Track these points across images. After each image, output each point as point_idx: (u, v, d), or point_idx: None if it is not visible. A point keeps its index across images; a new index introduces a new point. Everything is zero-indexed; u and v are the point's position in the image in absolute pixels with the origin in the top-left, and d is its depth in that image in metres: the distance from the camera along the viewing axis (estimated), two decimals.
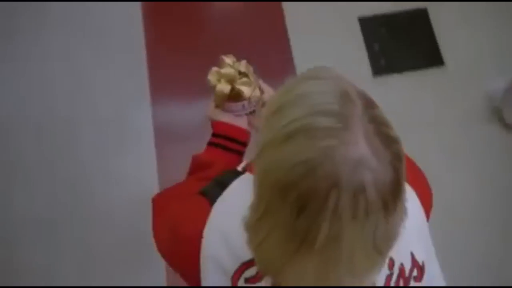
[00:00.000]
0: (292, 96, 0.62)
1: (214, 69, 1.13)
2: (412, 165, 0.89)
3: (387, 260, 0.70)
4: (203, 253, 0.77)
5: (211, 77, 1.12)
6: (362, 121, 0.58)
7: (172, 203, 0.94)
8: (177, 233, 0.84)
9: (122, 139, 2.32)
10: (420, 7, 2.67)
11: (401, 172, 0.59)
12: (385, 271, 0.74)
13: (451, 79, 2.56)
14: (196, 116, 2.31)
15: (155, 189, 2.16)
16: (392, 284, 0.74)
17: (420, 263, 0.80)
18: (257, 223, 0.64)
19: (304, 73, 0.66)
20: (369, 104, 0.61)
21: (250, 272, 0.73)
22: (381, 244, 0.61)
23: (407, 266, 0.78)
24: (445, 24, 2.66)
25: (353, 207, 0.56)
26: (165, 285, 2.07)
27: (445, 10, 2.68)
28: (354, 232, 0.57)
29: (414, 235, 0.80)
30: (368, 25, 2.62)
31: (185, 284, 0.85)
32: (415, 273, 0.78)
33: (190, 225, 0.81)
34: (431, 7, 2.68)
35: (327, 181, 0.55)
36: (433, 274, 0.82)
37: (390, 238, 0.62)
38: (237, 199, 0.74)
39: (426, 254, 0.81)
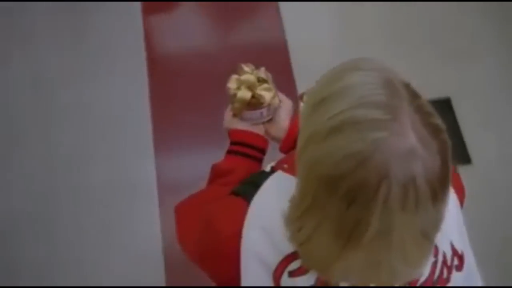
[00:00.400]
0: (336, 88, 0.61)
1: (234, 76, 1.14)
2: None
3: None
4: (244, 249, 0.76)
5: (231, 85, 1.13)
6: (409, 112, 0.58)
7: (201, 206, 0.93)
8: (213, 233, 0.83)
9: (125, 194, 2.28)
10: (442, 96, 2.45)
11: (448, 160, 0.60)
12: (430, 258, 0.73)
13: (479, 178, 2.27)
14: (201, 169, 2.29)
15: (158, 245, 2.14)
16: (437, 272, 0.75)
17: (460, 252, 0.80)
18: (301, 217, 0.64)
19: (346, 64, 0.66)
20: (414, 95, 0.61)
21: (294, 265, 0.72)
22: (430, 230, 0.62)
23: (449, 254, 0.78)
24: (471, 117, 2.42)
25: (403, 198, 0.56)
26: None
27: (470, 103, 2.46)
28: (404, 223, 0.58)
29: (452, 225, 0.80)
30: None
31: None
32: (456, 262, 0.78)
33: (228, 223, 0.80)
34: (455, 96, 2.46)
35: (378, 173, 0.56)
36: (471, 265, 0.82)
37: (437, 224, 0.63)
38: (275, 195, 0.74)
39: (463, 244, 0.82)
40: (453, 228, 0.80)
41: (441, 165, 0.58)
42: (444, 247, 0.77)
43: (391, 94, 0.59)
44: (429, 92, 0.75)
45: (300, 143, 0.64)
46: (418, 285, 0.73)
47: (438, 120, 0.61)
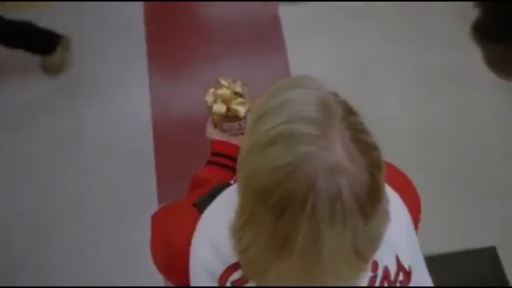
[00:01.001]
0: (275, 103, 0.64)
1: (211, 90, 1.19)
2: (397, 172, 0.91)
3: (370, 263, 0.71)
4: (192, 260, 0.79)
5: (208, 98, 1.18)
6: (340, 128, 0.61)
7: (167, 218, 0.98)
8: (170, 244, 0.87)
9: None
10: (485, 245, 2.27)
11: (379, 177, 0.62)
12: (368, 273, 0.74)
13: None
14: None
15: None
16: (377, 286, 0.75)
17: (407, 268, 0.79)
18: (242, 227, 0.67)
19: (287, 80, 0.69)
20: (348, 111, 0.63)
21: (236, 275, 0.75)
22: (363, 249, 0.64)
23: (392, 269, 0.77)
24: None
25: (330, 211, 0.59)
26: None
27: None
28: (333, 237, 0.60)
29: (400, 239, 0.80)
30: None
31: None
32: (401, 277, 0.78)
33: (181, 235, 0.83)
34: (500, 245, 2.27)
35: (305, 185, 0.58)
36: (422, 282, 0.82)
37: (372, 242, 0.65)
38: (224, 207, 0.75)
39: (413, 259, 0.81)
40: (401, 242, 0.80)
41: (370, 180, 0.60)
42: (388, 262, 0.77)
43: (324, 111, 0.62)
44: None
45: (240, 155, 0.67)
46: None
47: (371, 137, 0.63)
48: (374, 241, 0.65)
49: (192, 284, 0.79)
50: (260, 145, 0.63)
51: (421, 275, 0.83)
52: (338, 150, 0.60)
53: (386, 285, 0.76)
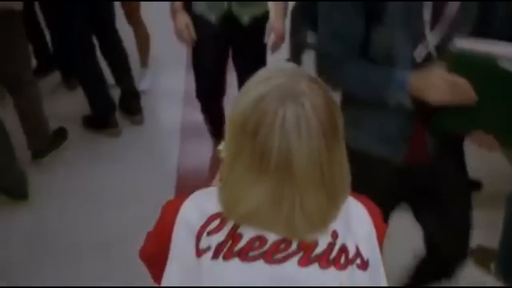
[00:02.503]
0: (258, 77, 0.79)
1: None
2: (371, 202, 0.93)
3: (330, 230, 0.80)
4: (177, 220, 0.84)
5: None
6: (307, 80, 0.76)
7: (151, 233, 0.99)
8: (160, 220, 0.91)
9: None
10: None
11: (335, 113, 0.76)
12: (328, 238, 0.80)
13: None
14: None
15: None
16: (334, 253, 0.80)
17: (365, 258, 0.83)
18: (229, 163, 0.78)
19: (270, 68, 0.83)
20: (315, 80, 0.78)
21: (213, 224, 0.81)
22: (329, 181, 0.74)
23: (351, 251, 0.82)
24: None
25: (297, 124, 0.71)
26: None
27: None
28: (301, 150, 0.71)
29: (362, 234, 0.85)
30: None
31: None
32: (358, 261, 0.82)
33: (171, 211, 0.87)
34: None
35: (275, 103, 0.72)
36: (378, 278, 0.86)
37: (334, 183, 0.76)
38: (210, 192, 0.86)
39: (373, 259, 0.85)
40: (362, 237, 0.85)
41: (329, 112, 0.74)
42: (348, 242, 0.82)
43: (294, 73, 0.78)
44: None
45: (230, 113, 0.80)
46: (313, 254, 0.79)
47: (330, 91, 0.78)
48: (336, 177, 0.76)
49: (172, 240, 0.84)
50: (244, 92, 0.77)
51: (378, 273, 0.87)
52: (303, 83, 0.75)
53: (343, 259, 0.81)
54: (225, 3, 2.23)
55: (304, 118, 0.71)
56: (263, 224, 0.77)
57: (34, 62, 3.17)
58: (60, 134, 2.97)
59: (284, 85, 0.74)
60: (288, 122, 0.71)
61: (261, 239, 0.78)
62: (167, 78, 3.68)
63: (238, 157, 0.76)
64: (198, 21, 2.26)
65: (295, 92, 0.73)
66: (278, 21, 2.26)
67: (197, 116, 2.76)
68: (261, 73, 0.79)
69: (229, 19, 2.24)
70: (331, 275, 0.79)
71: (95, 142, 3.05)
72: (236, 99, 0.78)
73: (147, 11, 3.42)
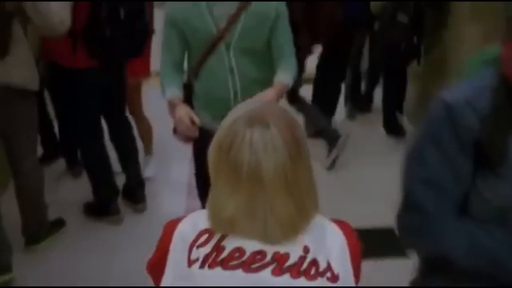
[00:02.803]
0: (235, 109, 0.98)
1: None
2: (349, 226, 1.04)
3: (301, 245, 0.93)
4: (175, 234, 0.99)
5: None
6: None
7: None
8: (163, 235, 1.04)
9: None
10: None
11: (298, 133, 0.94)
12: (299, 252, 0.92)
13: None
14: None
15: None
16: (305, 266, 0.92)
17: (335, 272, 0.94)
18: (213, 180, 0.95)
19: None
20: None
21: (202, 238, 0.95)
22: (296, 191, 0.91)
23: (322, 265, 0.93)
24: None
25: (263, 143, 0.88)
26: None
27: None
28: (269, 160, 0.87)
29: (335, 253, 0.96)
30: None
31: None
32: (328, 274, 0.93)
33: (171, 227, 1.02)
34: None
35: (244, 125, 0.90)
36: None
37: (301, 189, 0.92)
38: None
39: (342, 274, 0.95)
40: (335, 254, 0.95)
41: (289, 127, 0.92)
42: (319, 258, 0.94)
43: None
44: None
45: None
46: (285, 265, 0.91)
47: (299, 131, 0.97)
48: (304, 194, 0.92)
49: (170, 250, 0.98)
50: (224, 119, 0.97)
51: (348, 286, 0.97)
52: (270, 109, 0.95)
53: (313, 271, 0.92)
54: None
55: (270, 136, 0.89)
56: (243, 233, 0.92)
57: (40, 150, 3.21)
58: (58, 224, 2.93)
59: (253, 110, 0.93)
60: (256, 140, 0.88)
61: (240, 250, 0.92)
62: (171, 167, 3.71)
63: (218, 173, 0.94)
64: (200, 134, 2.10)
65: (262, 117, 0.91)
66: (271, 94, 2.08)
67: (200, 206, 2.73)
68: (239, 104, 0.99)
69: None
70: (302, 284, 0.91)
71: (95, 229, 3.00)
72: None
73: (149, 101, 3.51)
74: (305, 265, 0.92)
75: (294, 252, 0.92)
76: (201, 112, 2.18)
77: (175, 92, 2.15)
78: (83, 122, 2.91)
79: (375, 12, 3.69)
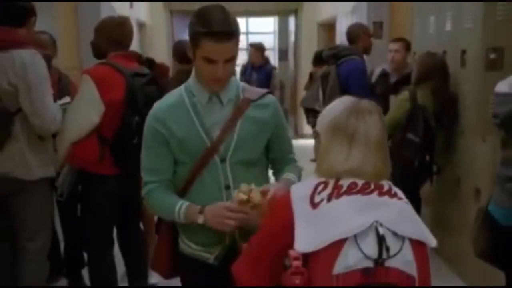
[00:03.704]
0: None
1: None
2: None
3: (387, 183, 1.42)
4: (292, 198, 1.37)
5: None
6: None
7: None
8: (273, 210, 1.47)
9: None
10: None
11: (382, 118, 1.46)
12: (387, 186, 1.41)
13: None
14: None
15: None
16: (392, 193, 1.40)
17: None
18: (325, 146, 1.42)
19: None
20: None
21: (319, 188, 1.35)
22: (384, 151, 1.44)
23: (400, 194, 1.42)
24: None
25: (371, 119, 1.41)
26: None
27: None
28: (376, 131, 1.41)
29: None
30: None
31: None
32: (404, 199, 1.44)
33: (282, 198, 1.46)
34: None
35: (355, 112, 1.41)
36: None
37: (386, 151, 1.44)
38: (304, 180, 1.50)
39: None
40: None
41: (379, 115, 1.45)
42: (397, 191, 1.44)
43: None
44: None
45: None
46: (383, 191, 1.37)
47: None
48: (387, 155, 1.45)
49: (295, 213, 1.34)
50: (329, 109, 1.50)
51: None
52: (364, 104, 1.46)
53: (398, 196, 1.41)
54: (227, 237, 1.81)
55: (371, 118, 1.40)
56: (354, 175, 1.36)
57: None
58: None
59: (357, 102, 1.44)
60: (366, 118, 1.39)
61: (355, 183, 1.34)
62: None
63: (333, 140, 1.39)
64: (188, 264, 1.87)
65: (361, 108, 1.41)
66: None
67: None
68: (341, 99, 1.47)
69: (232, 256, 1.66)
70: (396, 202, 1.36)
71: None
72: (323, 114, 1.47)
73: None
74: (392, 192, 1.39)
75: (385, 184, 1.40)
76: (189, 238, 1.87)
77: (183, 203, 1.78)
78: (96, 229, 2.87)
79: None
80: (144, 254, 3.10)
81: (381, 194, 1.34)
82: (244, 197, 1.65)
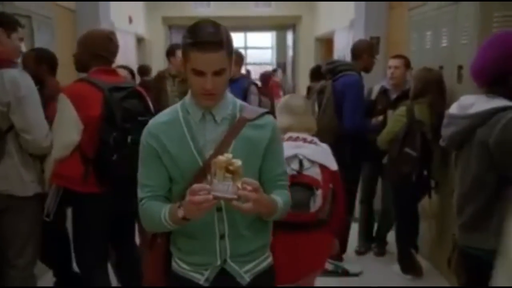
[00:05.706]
0: None
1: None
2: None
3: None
4: None
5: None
6: None
7: None
8: None
9: None
10: None
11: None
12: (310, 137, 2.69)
13: None
14: None
15: None
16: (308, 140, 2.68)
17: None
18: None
19: None
20: None
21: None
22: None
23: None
24: None
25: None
26: None
27: None
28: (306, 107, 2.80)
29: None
30: None
31: None
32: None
33: None
34: None
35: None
36: None
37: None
38: None
39: None
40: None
41: None
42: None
43: None
44: None
45: None
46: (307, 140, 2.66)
47: None
48: None
49: None
50: None
51: None
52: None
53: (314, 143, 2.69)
54: (218, 258, 1.79)
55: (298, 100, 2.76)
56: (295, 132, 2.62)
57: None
58: None
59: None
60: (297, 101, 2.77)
61: (291, 137, 2.65)
62: None
63: (282, 115, 2.70)
64: (180, 284, 1.85)
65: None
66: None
67: None
68: None
69: (223, 278, 1.80)
70: (312, 145, 2.63)
71: None
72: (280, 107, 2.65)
73: None
74: (312, 141, 2.60)
75: (308, 137, 2.59)
76: (181, 258, 1.86)
77: (167, 206, 1.74)
78: (88, 249, 2.83)
79: (382, 147, 3.80)
80: (139, 272, 3.06)
81: (305, 141, 2.60)
82: (224, 158, 1.54)
